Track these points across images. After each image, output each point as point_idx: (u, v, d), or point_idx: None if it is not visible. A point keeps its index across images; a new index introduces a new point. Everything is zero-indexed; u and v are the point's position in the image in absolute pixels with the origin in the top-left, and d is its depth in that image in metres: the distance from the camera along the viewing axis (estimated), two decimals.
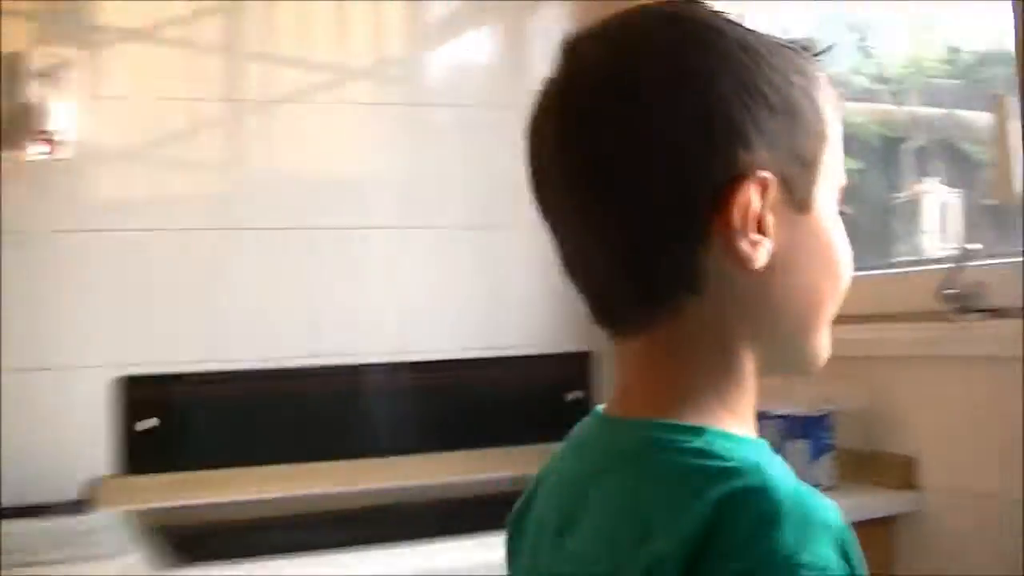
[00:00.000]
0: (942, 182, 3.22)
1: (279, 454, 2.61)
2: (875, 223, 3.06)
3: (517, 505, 1.00)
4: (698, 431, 0.81)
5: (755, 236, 0.81)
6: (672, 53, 0.82)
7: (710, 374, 0.85)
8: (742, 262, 0.81)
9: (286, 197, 2.70)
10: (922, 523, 2.15)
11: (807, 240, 0.85)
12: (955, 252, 2.10)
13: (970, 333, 2.08)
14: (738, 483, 0.74)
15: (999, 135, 1.91)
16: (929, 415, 2.16)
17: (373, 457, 2.68)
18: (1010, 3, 2.05)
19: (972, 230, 3.50)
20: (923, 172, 3.26)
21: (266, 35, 2.71)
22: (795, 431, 2.23)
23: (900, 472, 2.19)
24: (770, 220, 0.81)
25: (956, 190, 3.10)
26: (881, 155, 3.09)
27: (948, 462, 2.12)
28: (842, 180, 0.90)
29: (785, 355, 0.90)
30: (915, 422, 2.19)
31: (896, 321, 2.26)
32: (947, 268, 2.11)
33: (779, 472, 0.77)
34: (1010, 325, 2.03)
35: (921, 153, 3.07)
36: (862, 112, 3.17)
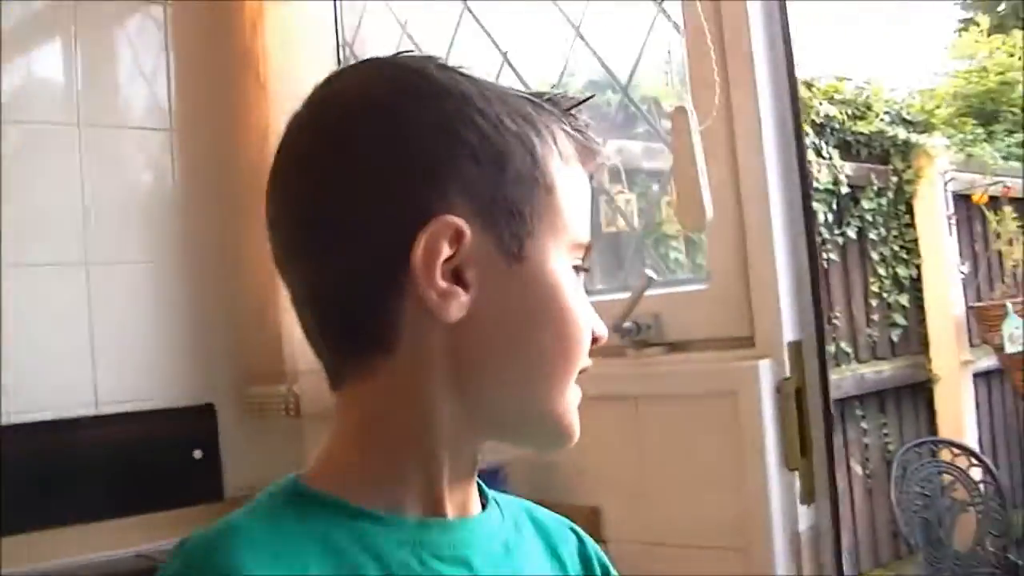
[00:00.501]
0: None
1: None
2: None
3: None
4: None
5: (443, 286, 0.76)
6: (371, 100, 0.79)
7: (372, 439, 0.80)
8: (433, 314, 0.76)
9: None
10: None
11: (520, 293, 0.79)
12: (636, 282, 1.92)
13: (649, 369, 1.93)
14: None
15: (680, 152, 1.73)
16: (611, 460, 1.97)
17: None
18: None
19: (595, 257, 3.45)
20: None
21: None
22: None
23: (584, 525, 1.98)
24: (471, 271, 0.77)
25: None
26: None
27: (633, 511, 1.95)
28: (581, 236, 0.83)
29: (519, 423, 0.85)
30: (597, 469, 2.00)
31: None
32: (620, 300, 1.95)
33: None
34: (692, 360, 1.90)
35: None
36: None
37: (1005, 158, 5.45)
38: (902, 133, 4.90)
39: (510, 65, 2.36)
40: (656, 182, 3.28)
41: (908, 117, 5.09)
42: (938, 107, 5.47)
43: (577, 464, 2.02)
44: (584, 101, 0.86)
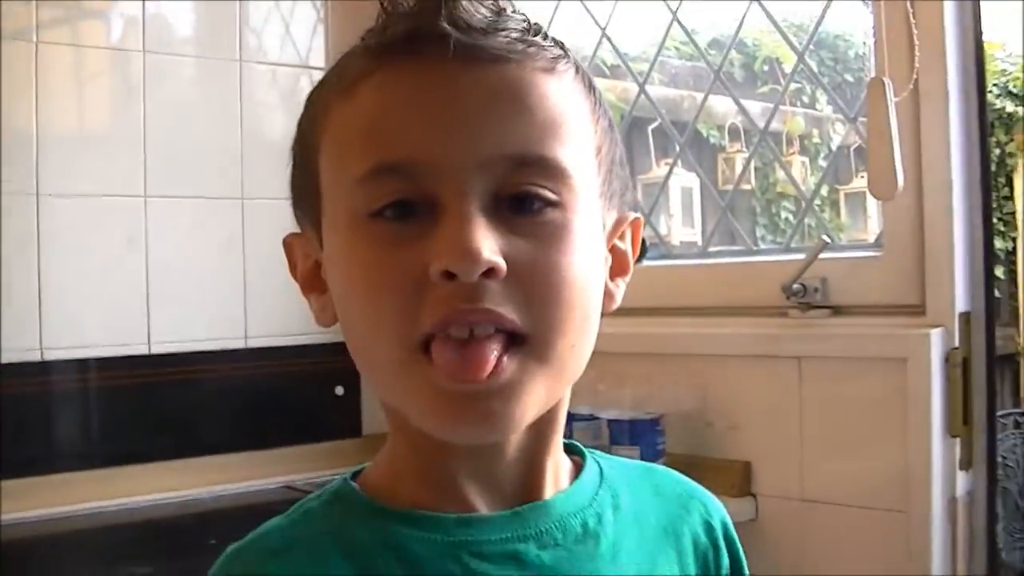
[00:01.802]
0: (682, 166, 3.17)
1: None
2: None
3: None
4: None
5: (304, 292, 0.79)
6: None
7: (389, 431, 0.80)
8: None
9: (5, 156, 2.22)
10: (757, 532, 2.02)
11: (329, 279, 0.76)
12: (811, 245, 1.97)
13: (814, 331, 1.98)
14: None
15: (875, 123, 1.78)
16: (767, 418, 2.03)
17: (114, 466, 2.28)
18: None
19: (708, 215, 3.48)
20: (664, 154, 3.21)
21: None
22: (624, 436, 2.05)
23: (734, 479, 2.05)
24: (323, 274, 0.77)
25: (693, 174, 3.07)
26: (624, 135, 3.01)
27: (785, 468, 2.00)
28: (357, 165, 0.70)
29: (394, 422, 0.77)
30: (751, 425, 2.06)
31: (728, 315, 2.13)
32: (786, 261, 2.00)
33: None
34: (860, 324, 1.94)
35: (660, 135, 3.01)
36: (606, 90, 3.08)
37: None
38: (1009, 106, 4.89)
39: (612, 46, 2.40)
40: (775, 143, 3.32)
41: (1015, 90, 5.08)
42: None
43: (731, 419, 2.08)
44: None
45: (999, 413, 4.58)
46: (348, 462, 2.48)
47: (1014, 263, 4.96)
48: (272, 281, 2.48)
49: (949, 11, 1.81)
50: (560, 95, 0.72)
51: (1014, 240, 4.95)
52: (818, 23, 2.18)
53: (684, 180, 3.38)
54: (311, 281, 0.78)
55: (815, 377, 1.96)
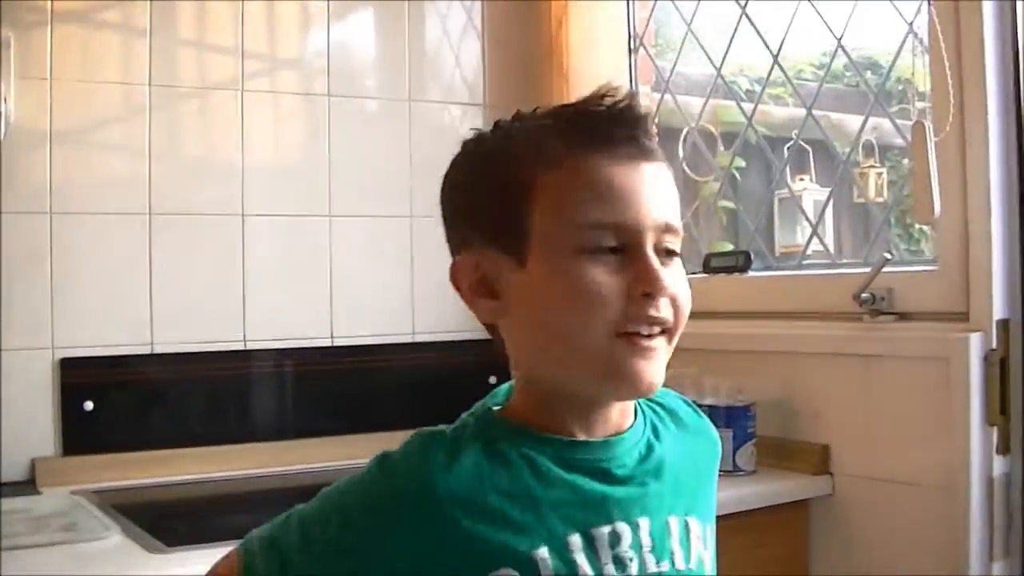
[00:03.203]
0: (814, 181, 3.46)
1: (210, 435, 2.68)
2: (758, 218, 3.25)
3: None
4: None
5: (471, 298, 1.09)
6: (448, 176, 1.14)
7: (519, 385, 1.11)
8: (475, 311, 1.09)
9: (218, 184, 2.76)
10: (834, 505, 2.37)
11: (531, 289, 1.04)
12: (876, 259, 2.31)
13: (881, 334, 2.31)
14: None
15: (918, 159, 2.12)
16: (843, 407, 2.38)
17: (303, 438, 2.78)
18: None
19: (840, 228, 3.76)
20: (799, 170, 3.47)
21: (199, 21, 2.75)
22: (719, 420, 2.42)
23: (815, 459, 2.41)
24: (499, 283, 1.07)
25: (826, 189, 3.30)
26: (760, 154, 3.28)
27: (857, 450, 2.35)
28: (597, 219, 1.02)
29: (568, 378, 1.06)
30: (828, 413, 2.41)
31: (811, 319, 2.48)
32: (861, 273, 2.34)
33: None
34: (916, 328, 2.27)
35: (797, 153, 3.25)
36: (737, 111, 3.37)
37: None
38: None
39: (779, 66, 2.75)
40: (907, 157, 3.56)
41: None
42: None
43: (813, 408, 2.44)
44: (624, 103, 1.06)
45: None
46: None
47: None
48: (435, 286, 2.94)
49: (991, 59, 2.12)
50: (672, 181, 1.09)
51: None
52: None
53: (816, 195, 3.62)
54: (478, 290, 1.08)
55: (881, 373, 2.30)
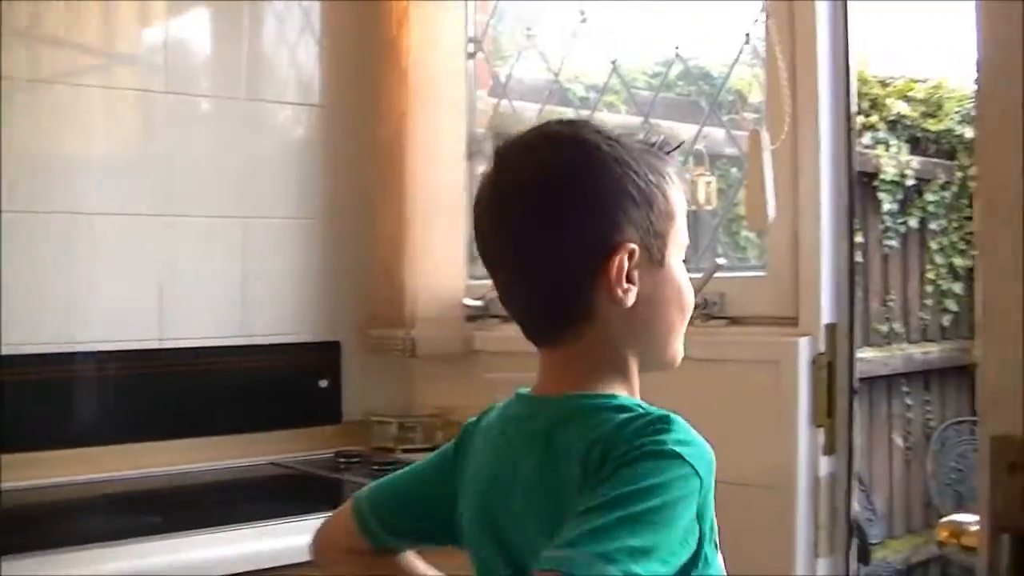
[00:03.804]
0: None
1: (33, 439, 2.57)
2: None
3: (450, 446, 1.39)
4: (612, 396, 1.23)
5: (626, 285, 1.20)
6: (570, 167, 1.21)
7: (605, 371, 1.25)
8: (618, 302, 1.20)
9: (48, 180, 2.65)
10: None
11: (662, 285, 1.26)
12: (708, 265, 2.36)
13: (713, 338, 2.36)
14: (651, 415, 1.20)
15: (752, 167, 2.17)
16: (679, 411, 2.40)
17: (129, 443, 2.69)
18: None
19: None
20: None
21: (33, 15, 2.65)
22: None
23: None
24: (636, 274, 1.21)
25: None
26: None
27: None
28: (686, 241, 1.29)
29: (652, 359, 1.31)
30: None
31: None
32: (692, 278, 2.37)
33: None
34: (747, 332, 2.33)
35: None
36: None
37: None
38: (969, 132, 5.20)
39: (617, 73, 2.79)
40: (736, 167, 3.66)
41: None
42: None
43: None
44: (678, 148, 1.31)
45: (949, 421, 4.96)
46: (327, 446, 2.90)
47: (973, 280, 5.26)
48: (267, 288, 2.89)
49: (824, 72, 2.19)
50: None
51: (974, 258, 5.26)
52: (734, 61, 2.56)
53: None
54: (628, 277, 1.21)
55: (713, 376, 2.34)
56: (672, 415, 1.20)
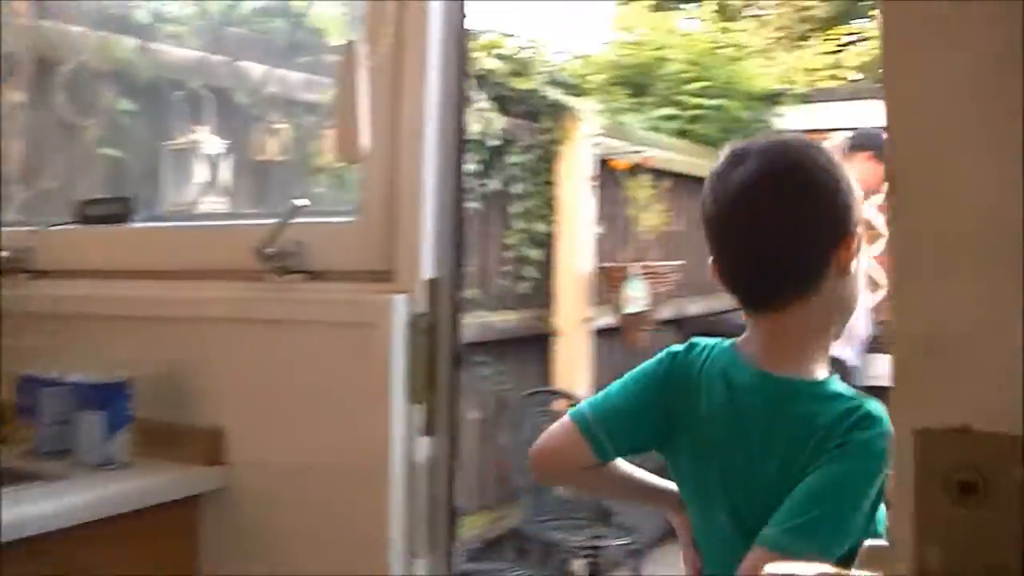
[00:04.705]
0: (213, 132, 3.08)
1: None
2: (146, 169, 2.88)
3: (656, 368, 1.63)
4: (826, 382, 1.51)
5: (853, 262, 1.52)
6: (822, 169, 1.52)
7: (818, 339, 1.55)
8: (847, 272, 1.52)
9: None
10: (231, 500, 1.96)
11: (857, 269, 1.55)
12: (283, 209, 1.92)
13: (289, 295, 1.94)
14: (863, 407, 1.44)
15: (344, 87, 1.75)
16: (241, 383, 1.97)
17: None
18: None
19: (242, 186, 3.40)
20: (196, 120, 3.11)
21: None
22: (89, 401, 1.94)
23: (206, 446, 1.98)
24: (855, 253, 1.53)
25: (226, 142, 3.00)
26: (154, 98, 2.93)
27: (260, 434, 1.96)
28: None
29: (834, 334, 1.58)
30: (225, 391, 1.99)
31: (205, 279, 2.05)
32: (269, 225, 1.94)
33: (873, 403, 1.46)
34: (331, 289, 1.92)
35: (195, 100, 2.92)
36: (135, 49, 2.95)
37: (649, 129, 5.73)
38: (556, 94, 5.05)
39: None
40: (313, 115, 3.27)
41: (564, 80, 5.25)
42: (594, 73, 5.65)
43: (202, 384, 2.02)
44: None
45: (526, 392, 4.80)
46: None
47: (553, 247, 5.14)
48: None
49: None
50: None
51: (553, 224, 5.13)
52: None
53: (215, 148, 3.26)
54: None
55: (289, 342, 1.93)
56: (875, 407, 1.45)
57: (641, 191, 5.15)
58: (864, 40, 10.42)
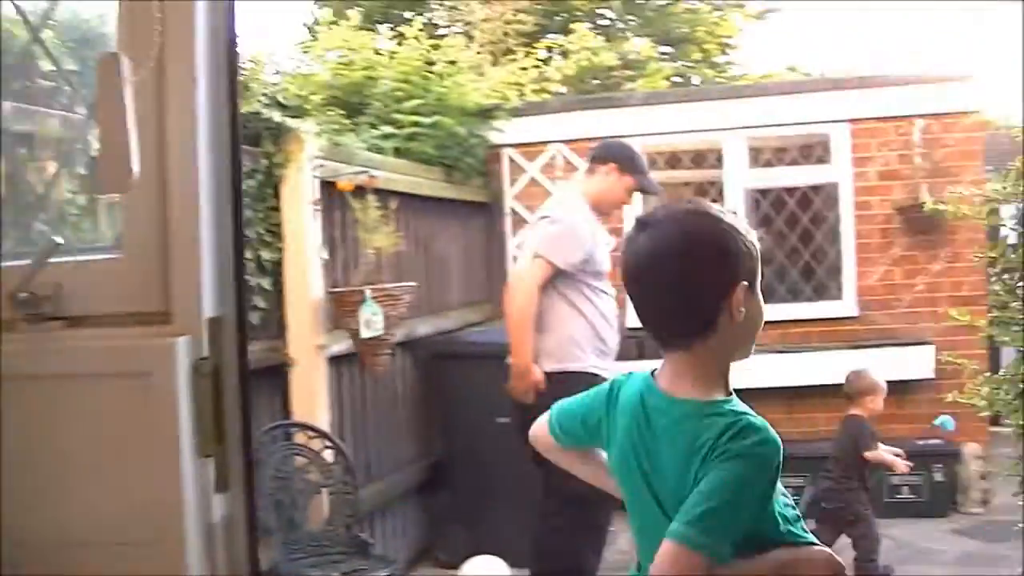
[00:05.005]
0: None
1: None
2: None
3: (605, 391, 1.92)
4: (719, 402, 1.75)
5: (740, 308, 1.75)
6: (708, 234, 1.79)
7: (718, 371, 1.79)
8: (735, 319, 1.75)
9: None
10: None
11: (752, 308, 1.78)
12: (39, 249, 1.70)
13: (48, 346, 1.71)
14: (741, 420, 1.70)
15: (106, 106, 1.55)
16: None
17: None
18: None
19: None
20: None
21: None
22: None
23: None
24: (743, 299, 1.76)
25: None
26: None
27: (32, 507, 1.71)
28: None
29: (736, 359, 1.82)
30: None
31: None
32: (19, 266, 1.71)
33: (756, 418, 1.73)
34: (97, 336, 1.71)
35: None
36: None
37: (369, 149, 5.61)
38: (277, 116, 4.85)
39: None
40: (24, 147, 2.99)
41: (284, 101, 5.05)
42: (312, 94, 5.48)
43: None
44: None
45: (266, 427, 4.59)
46: None
47: (281, 275, 4.93)
48: None
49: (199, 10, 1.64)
50: None
51: (281, 251, 4.92)
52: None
53: None
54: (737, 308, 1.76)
55: (53, 399, 1.70)
56: (758, 423, 1.71)
57: (368, 213, 5.02)
58: (564, 54, 10.65)
